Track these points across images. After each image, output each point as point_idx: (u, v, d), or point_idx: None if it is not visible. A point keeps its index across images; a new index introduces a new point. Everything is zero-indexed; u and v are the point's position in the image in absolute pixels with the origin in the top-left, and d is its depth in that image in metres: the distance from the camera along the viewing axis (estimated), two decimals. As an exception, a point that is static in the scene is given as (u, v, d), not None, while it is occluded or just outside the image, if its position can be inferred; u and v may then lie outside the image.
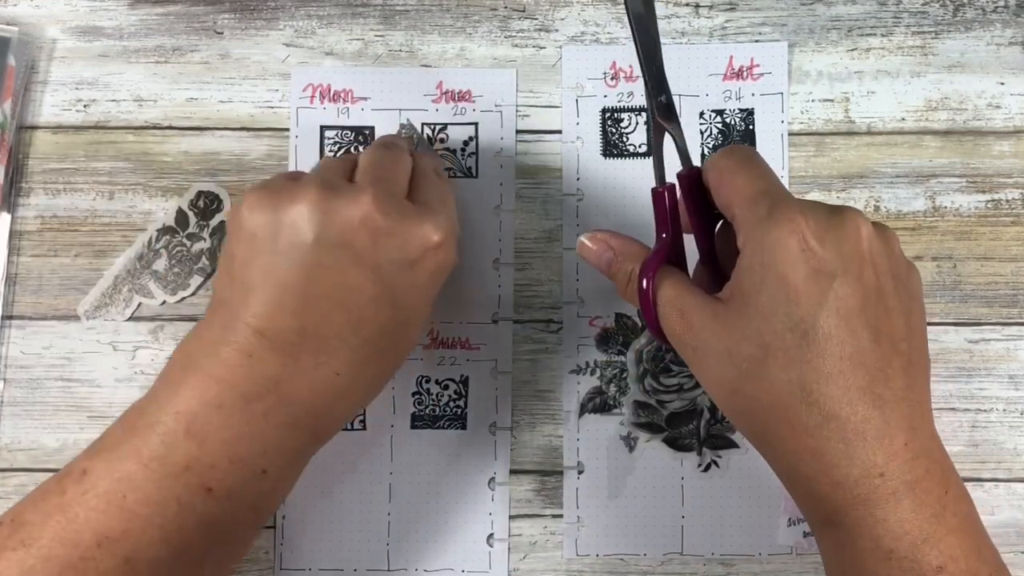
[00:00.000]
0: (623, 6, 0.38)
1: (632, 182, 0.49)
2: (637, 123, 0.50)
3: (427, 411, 0.48)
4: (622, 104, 0.50)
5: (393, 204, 0.37)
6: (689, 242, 0.40)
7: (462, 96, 0.50)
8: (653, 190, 0.39)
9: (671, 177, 0.39)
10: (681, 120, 0.50)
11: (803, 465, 0.33)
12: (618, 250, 0.38)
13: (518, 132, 0.50)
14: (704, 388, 0.36)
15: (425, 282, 0.38)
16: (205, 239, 0.49)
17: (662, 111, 0.39)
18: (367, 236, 0.35)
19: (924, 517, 0.32)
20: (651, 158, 0.39)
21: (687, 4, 0.51)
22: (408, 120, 0.40)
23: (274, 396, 0.35)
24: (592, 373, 0.48)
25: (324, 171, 0.38)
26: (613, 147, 0.50)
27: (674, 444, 0.48)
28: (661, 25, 0.51)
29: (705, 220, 0.39)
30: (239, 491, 0.35)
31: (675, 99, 0.50)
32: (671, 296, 0.36)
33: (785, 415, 0.33)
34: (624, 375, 0.48)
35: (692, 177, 0.38)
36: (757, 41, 0.50)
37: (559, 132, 0.50)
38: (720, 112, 0.50)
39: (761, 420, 0.34)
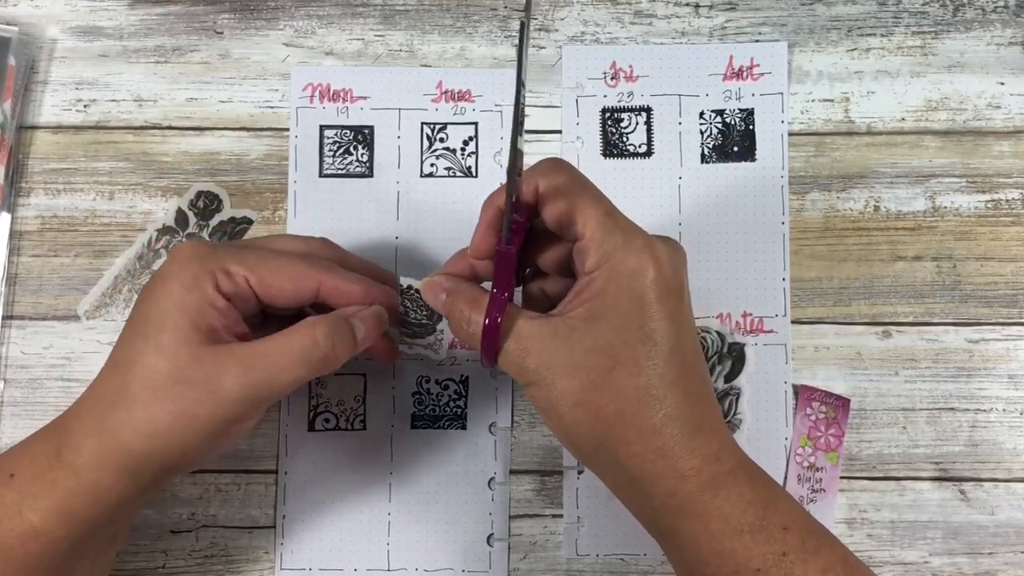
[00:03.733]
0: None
1: (632, 182, 0.49)
2: (637, 123, 0.50)
3: (427, 411, 0.48)
4: (622, 104, 0.50)
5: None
6: None
7: (462, 96, 0.50)
8: (499, 250, 0.38)
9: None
10: (681, 120, 0.50)
11: (649, 464, 0.36)
12: (450, 292, 0.39)
13: (518, 132, 0.50)
14: (541, 410, 0.37)
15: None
16: (205, 239, 0.49)
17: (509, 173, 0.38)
18: None
19: (760, 486, 0.37)
20: (504, 214, 0.38)
21: (687, 4, 0.51)
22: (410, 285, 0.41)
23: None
24: (592, 373, 0.48)
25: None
26: (613, 147, 0.50)
27: (674, 444, 0.48)
28: (662, 25, 0.51)
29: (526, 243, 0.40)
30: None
31: (675, 99, 0.50)
32: (519, 328, 0.37)
33: (632, 420, 0.35)
34: (624, 375, 0.48)
35: (530, 209, 0.38)
36: (757, 41, 0.50)
37: (559, 132, 0.50)
38: (720, 112, 0.50)
39: (605, 427, 0.36)
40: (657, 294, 0.36)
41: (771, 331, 0.48)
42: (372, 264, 0.44)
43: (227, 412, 0.37)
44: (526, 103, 0.50)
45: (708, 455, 0.36)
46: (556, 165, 0.38)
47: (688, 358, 0.37)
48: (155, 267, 0.49)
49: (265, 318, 0.42)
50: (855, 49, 0.50)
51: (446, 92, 0.50)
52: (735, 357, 0.48)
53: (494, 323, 0.37)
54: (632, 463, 0.36)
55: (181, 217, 0.49)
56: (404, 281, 0.41)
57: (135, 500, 0.38)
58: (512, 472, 0.48)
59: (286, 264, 0.39)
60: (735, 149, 0.50)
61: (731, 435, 0.38)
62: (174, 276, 0.37)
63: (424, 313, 0.42)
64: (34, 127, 0.50)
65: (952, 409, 0.48)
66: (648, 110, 0.50)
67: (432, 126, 0.50)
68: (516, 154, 0.36)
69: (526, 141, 0.50)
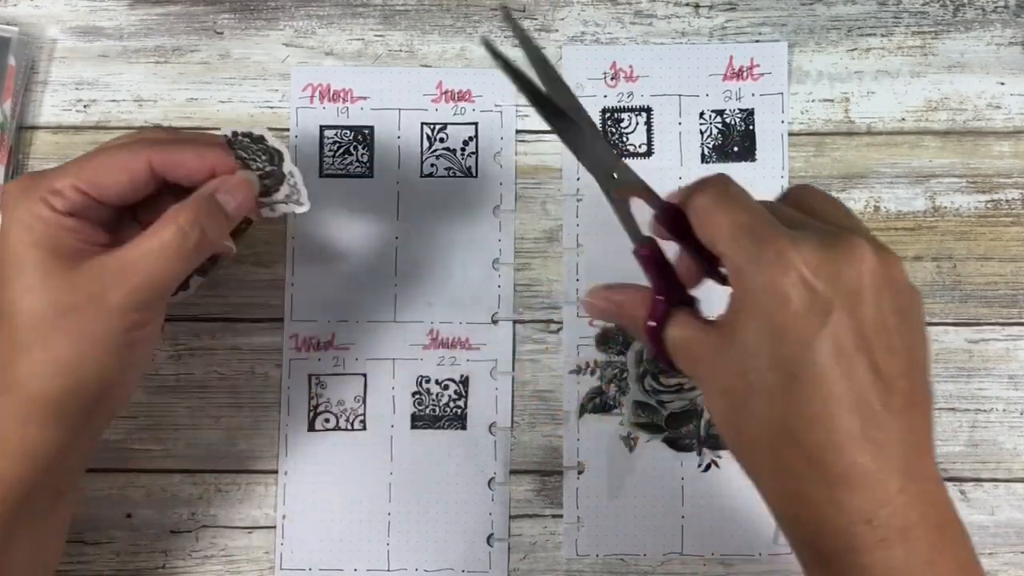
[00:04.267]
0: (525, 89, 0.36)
1: (632, 182, 0.49)
2: (637, 123, 0.50)
3: (427, 411, 0.48)
4: (622, 104, 0.50)
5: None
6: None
7: (462, 96, 0.50)
8: (634, 252, 0.37)
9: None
10: (681, 120, 0.50)
11: (788, 507, 0.32)
12: (620, 302, 0.37)
13: (518, 132, 0.50)
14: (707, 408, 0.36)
15: None
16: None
17: (621, 181, 0.38)
18: None
19: (916, 564, 0.30)
20: (620, 223, 0.38)
21: (687, 4, 0.51)
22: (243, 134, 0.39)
23: None
24: (592, 373, 0.48)
25: None
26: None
27: (674, 444, 0.48)
28: (662, 25, 0.51)
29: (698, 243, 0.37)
30: None
31: (675, 99, 0.50)
32: (675, 336, 0.35)
33: (769, 455, 0.32)
34: (624, 375, 0.48)
35: (670, 214, 0.36)
36: (757, 41, 0.50)
37: (559, 132, 0.50)
38: (720, 112, 0.50)
39: (749, 455, 0.33)
40: (795, 314, 0.30)
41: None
42: (201, 134, 0.42)
43: (121, 322, 0.36)
44: (528, 103, 0.50)
45: (856, 515, 0.30)
46: (703, 183, 0.34)
47: (840, 391, 0.30)
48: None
49: (143, 210, 0.40)
50: (855, 49, 0.50)
51: (446, 92, 0.50)
52: (735, 357, 0.48)
53: (654, 333, 0.35)
54: (772, 499, 0.33)
55: (181, 217, 0.49)
56: (227, 130, 0.39)
57: (71, 449, 0.37)
58: (512, 472, 0.48)
59: (108, 156, 0.38)
60: (735, 149, 0.50)
61: (920, 489, 0.31)
62: (11, 218, 0.36)
63: (264, 159, 0.40)
64: (34, 127, 0.50)
65: (952, 409, 0.48)
66: (648, 110, 0.50)
67: (432, 126, 0.50)
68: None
69: (526, 141, 0.50)
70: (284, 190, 0.41)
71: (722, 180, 0.34)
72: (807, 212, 0.33)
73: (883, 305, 0.31)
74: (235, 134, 0.39)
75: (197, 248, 0.37)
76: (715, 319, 0.34)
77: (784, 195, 0.35)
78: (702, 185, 0.34)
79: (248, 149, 0.40)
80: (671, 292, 0.36)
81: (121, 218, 0.40)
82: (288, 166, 0.40)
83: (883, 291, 0.31)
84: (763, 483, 0.33)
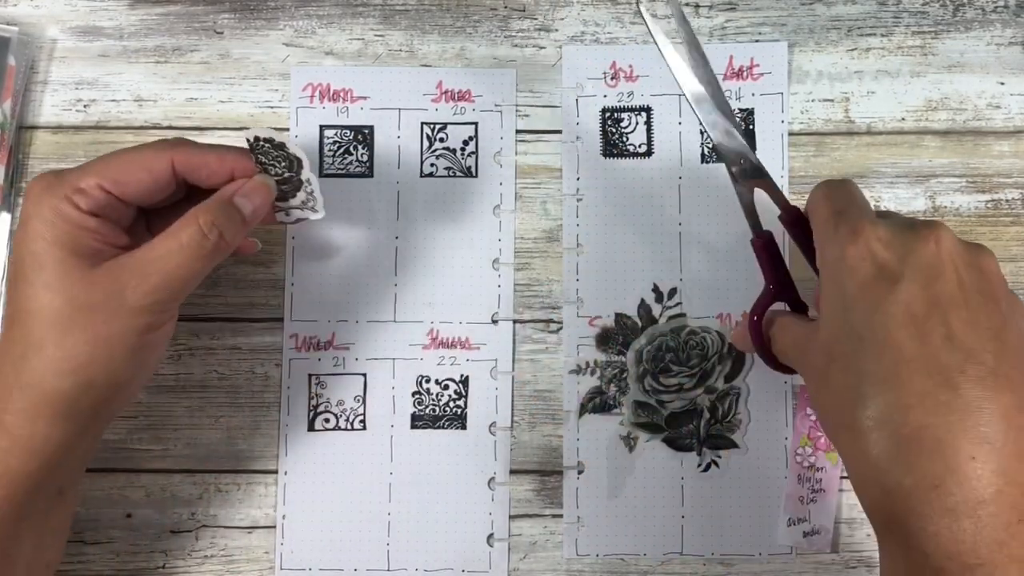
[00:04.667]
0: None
1: (632, 182, 0.49)
2: (637, 123, 0.50)
3: (427, 411, 0.48)
4: (622, 104, 0.50)
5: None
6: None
7: (462, 96, 0.50)
8: (752, 241, 0.42)
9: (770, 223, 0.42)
10: (681, 120, 0.50)
11: (859, 468, 0.33)
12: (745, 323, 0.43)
13: (518, 132, 0.50)
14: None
15: None
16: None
17: (751, 172, 0.42)
18: None
19: (983, 541, 0.29)
20: (742, 211, 0.42)
21: (687, 4, 0.51)
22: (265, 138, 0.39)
23: None
24: (592, 373, 0.48)
25: None
26: (613, 147, 0.50)
27: (674, 444, 0.48)
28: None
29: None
30: None
31: (676, 99, 0.50)
32: (781, 323, 0.39)
33: (842, 419, 0.33)
34: (624, 375, 0.48)
35: (792, 216, 0.41)
36: (757, 41, 0.50)
37: (559, 132, 0.50)
38: (720, 112, 0.50)
39: (829, 425, 0.35)
40: (863, 279, 0.32)
41: (771, 331, 0.48)
42: (223, 145, 0.42)
43: (137, 323, 0.36)
44: (528, 103, 0.50)
45: (923, 477, 0.30)
46: (823, 182, 0.38)
47: (914, 356, 0.31)
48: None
49: (156, 219, 0.41)
50: (855, 49, 0.50)
51: (446, 92, 0.50)
52: (735, 357, 0.48)
53: (754, 323, 0.41)
54: (848, 464, 0.34)
55: (181, 217, 0.49)
56: (249, 134, 0.39)
57: (76, 447, 0.37)
58: (512, 472, 0.48)
59: (132, 155, 0.38)
60: (735, 149, 0.50)
61: (1003, 468, 0.30)
62: (33, 215, 0.36)
63: (284, 165, 0.40)
64: (34, 127, 0.50)
65: (952, 409, 0.48)
66: (648, 110, 0.50)
67: (432, 126, 0.50)
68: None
69: (526, 141, 0.50)
70: (300, 196, 0.41)
71: (840, 180, 0.38)
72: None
73: (964, 282, 0.32)
74: (256, 138, 0.39)
75: (215, 250, 0.38)
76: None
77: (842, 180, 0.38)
78: (821, 184, 0.38)
79: (268, 154, 0.40)
80: (781, 287, 0.42)
81: (139, 222, 0.40)
82: (307, 173, 0.40)
83: (965, 271, 0.32)
84: (840, 450, 0.34)
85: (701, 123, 0.42)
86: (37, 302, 0.36)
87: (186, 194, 0.41)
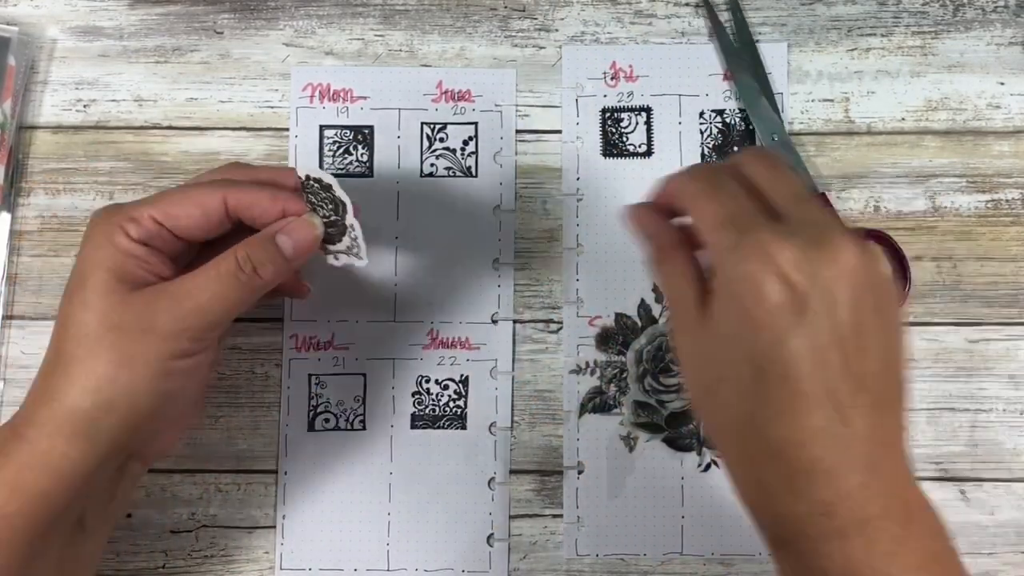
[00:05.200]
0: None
1: (632, 182, 0.49)
2: (637, 123, 0.50)
3: (427, 411, 0.48)
4: (622, 104, 0.50)
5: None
6: None
7: (462, 96, 0.50)
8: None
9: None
10: (681, 120, 0.50)
11: (749, 492, 0.33)
12: (663, 251, 0.37)
13: (518, 132, 0.50)
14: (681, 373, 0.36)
15: None
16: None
17: (780, 144, 0.46)
18: None
19: (876, 555, 0.30)
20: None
21: (687, 4, 0.51)
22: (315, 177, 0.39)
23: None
24: (592, 373, 0.48)
25: None
26: (613, 147, 0.50)
27: (674, 444, 0.48)
28: (662, 25, 0.51)
29: None
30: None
31: (675, 99, 0.50)
32: (680, 292, 0.35)
33: (734, 441, 0.33)
34: (624, 375, 0.48)
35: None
36: (757, 41, 0.50)
37: (559, 132, 0.50)
38: (720, 112, 0.50)
39: (716, 436, 0.34)
40: (768, 308, 0.30)
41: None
42: (280, 169, 0.43)
43: (165, 348, 0.36)
44: (528, 103, 0.50)
45: (815, 505, 0.30)
46: (692, 175, 0.35)
47: (808, 387, 0.30)
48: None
49: (205, 254, 0.41)
50: (855, 49, 0.50)
51: (446, 92, 0.50)
52: (735, 357, 0.48)
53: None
54: (734, 482, 0.34)
55: (181, 217, 0.49)
56: (302, 171, 0.39)
57: (96, 475, 0.37)
58: (512, 472, 0.48)
59: (187, 191, 0.39)
60: (735, 149, 0.50)
61: (884, 485, 0.31)
62: (87, 240, 0.38)
63: (330, 207, 0.40)
64: (34, 127, 0.50)
65: (952, 409, 0.48)
66: (648, 110, 0.50)
67: (432, 126, 0.50)
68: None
69: (526, 141, 0.50)
70: (346, 241, 0.41)
71: (711, 167, 0.35)
72: (759, 189, 0.33)
73: (861, 306, 0.31)
74: (308, 177, 0.39)
75: (249, 284, 0.38)
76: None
77: (732, 163, 0.35)
78: (693, 171, 0.35)
79: (317, 195, 0.40)
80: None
81: (189, 257, 0.41)
82: (351, 219, 0.40)
83: (862, 292, 0.31)
84: (729, 467, 0.34)
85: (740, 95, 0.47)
86: (72, 318, 0.36)
87: (239, 228, 0.41)
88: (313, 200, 0.40)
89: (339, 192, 0.39)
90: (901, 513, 0.31)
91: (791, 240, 0.30)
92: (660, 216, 0.37)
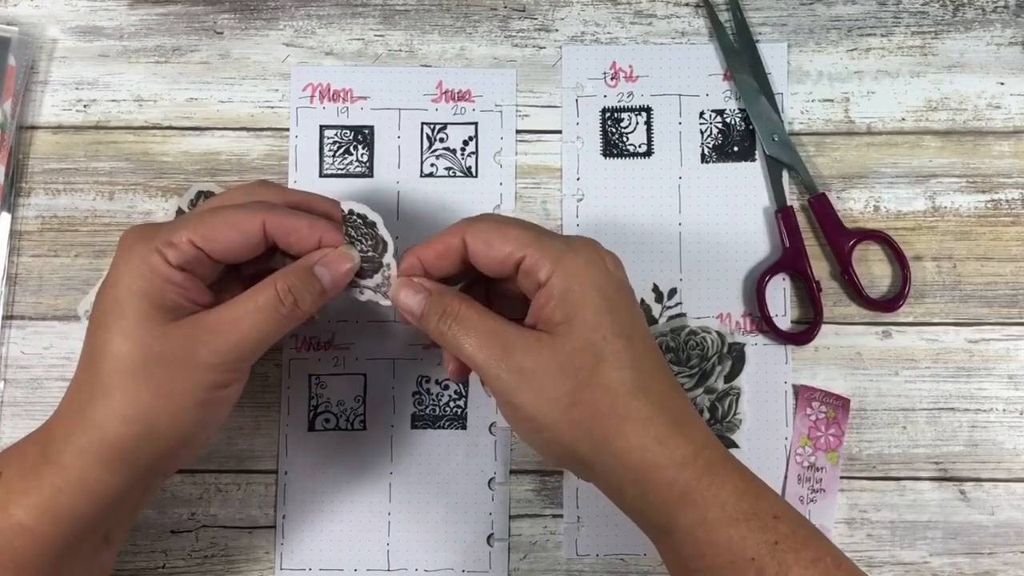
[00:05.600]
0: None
1: (632, 182, 0.49)
2: (637, 123, 0.50)
3: (427, 411, 0.48)
4: (622, 104, 0.50)
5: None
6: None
7: (462, 96, 0.50)
8: (776, 212, 0.47)
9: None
10: (681, 120, 0.50)
11: (649, 455, 0.36)
12: (432, 291, 0.39)
13: (518, 132, 0.50)
14: (531, 411, 0.36)
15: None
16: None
17: (779, 144, 0.49)
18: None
19: (747, 476, 0.37)
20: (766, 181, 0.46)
21: (687, 4, 0.51)
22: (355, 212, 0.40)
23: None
24: (592, 373, 0.48)
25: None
26: (613, 147, 0.50)
27: (674, 444, 0.48)
28: (662, 25, 0.51)
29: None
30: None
31: (675, 99, 0.50)
32: (490, 326, 0.37)
33: (627, 412, 0.36)
34: (624, 375, 0.48)
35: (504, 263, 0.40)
36: (757, 41, 0.50)
37: (559, 132, 0.50)
38: (720, 112, 0.50)
39: (603, 424, 0.36)
40: (615, 287, 0.37)
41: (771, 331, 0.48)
42: (314, 195, 0.42)
43: (204, 379, 0.36)
44: (528, 103, 0.50)
45: (700, 442, 0.37)
46: (473, 219, 0.39)
47: (655, 349, 0.38)
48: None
49: (239, 279, 0.41)
50: (855, 49, 0.50)
51: (446, 92, 0.50)
52: (735, 357, 0.48)
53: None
54: (632, 457, 0.36)
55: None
56: (346, 205, 0.40)
57: (128, 495, 0.37)
58: (512, 472, 0.48)
59: (226, 214, 0.38)
60: (735, 149, 0.50)
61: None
62: (123, 263, 0.37)
63: (370, 243, 0.40)
64: (34, 127, 0.50)
65: (952, 409, 0.48)
66: (648, 110, 0.50)
67: (432, 126, 0.50)
68: None
69: (526, 141, 0.50)
70: (377, 278, 0.41)
71: (489, 214, 0.40)
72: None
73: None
74: (351, 212, 0.40)
75: (290, 316, 0.38)
76: (526, 324, 0.38)
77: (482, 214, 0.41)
78: (472, 219, 0.39)
79: (358, 229, 0.40)
80: (796, 254, 0.48)
81: (223, 282, 0.41)
82: (389, 258, 0.40)
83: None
84: (621, 444, 0.36)
85: (740, 92, 0.49)
86: (112, 348, 0.36)
87: (273, 251, 0.41)
88: (353, 234, 0.40)
89: (382, 231, 0.40)
90: (731, 455, 0.38)
91: (585, 240, 0.38)
92: (433, 282, 0.40)
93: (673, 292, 0.49)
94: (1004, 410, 0.48)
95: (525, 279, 0.38)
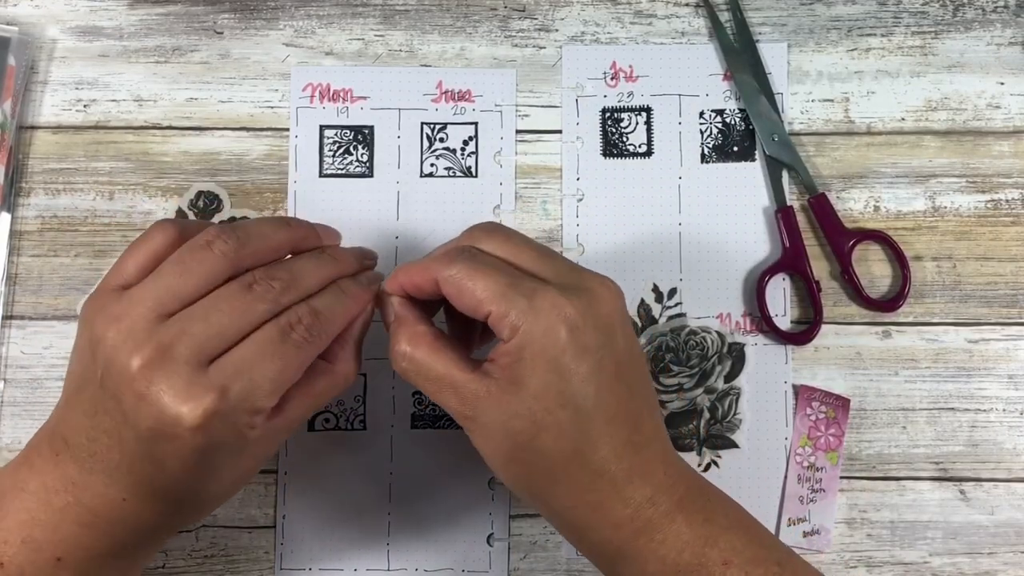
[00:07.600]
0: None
1: (632, 182, 0.49)
2: (637, 123, 0.50)
3: (427, 411, 0.48)
4: (622, 104, 0.50)
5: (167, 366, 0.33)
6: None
7: (462, 96, 0.50)
8: (776, 211, 0.46)
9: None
10: (681, 120, 0.50)
11: (582, 517, 0.36)
12: (398, 317, 0.39)
13: (518, 132, 0.50)
14: (480, 450, 0.37)
15: (185, 460, 0.34)
16: None
17: (779, 144, 0.49)
18: (130, 394, 0.33)
19: (697, 524, 0.36)
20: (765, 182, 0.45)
21: (687, 4, 0.51)
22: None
23: (71, 495, 0.35)
24: (592, 373, 0.48)
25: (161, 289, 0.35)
26: (613, 147, 0.50)
27: (674, 444, 0.48)
28: (662, 25, 0.51)
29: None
30: (30, 572, 0.35)
31: (675, 99, 0.50)
32: (440, 373, 0.37)
33: (562, 478, 0.36)
34: (624, 375, 0.48)
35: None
36: (757, 41, 0.50)
37: (559, 132, 0.50)
38: (720, 112, 0.50)
39: (539, 483, 0.37)
40: (573, 355, 0.35)
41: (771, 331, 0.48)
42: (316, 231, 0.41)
43: (260, 465, 0.38)
44: (528, 103, 0.50)
45: (641, 502, 0.36)
46: (450, 259, 0.37)
47: (613, 411, 0.36)
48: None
49: None
50: (855, 49, 0.50)
51: (446, 92, 0.50)
52: (735, 357, 0.48)
53: None
54: (567, 515, 0.37)
55: (181, 217, 0.49)
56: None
57: (161, 530, 0.38)
58: (512, 472, 0.48)
59: (283, 372, 0.36)
60: (735, 149, 0.50)
61: (677, 469, 0.38)
62: (206, 429, 0.34)
63: None
64: (34, 127, 0.50)
65: (952, 409, 0.48)
66: (648, 110, 0.50)
67: (432, 126, 0.50)
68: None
69: (526, 141, 0.50)
70: None
71: (456, 250, 0.37)
72: (506, 260, 0.37)
73: (626, 335, 0.37)
74: None
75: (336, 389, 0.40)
76: (484, 367, 0.36)
77: (469, 242, 0.38)
78: (448, 258, 0.37)
79: None
80: (796, 254, 0.48)
81: None
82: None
83: (623, 322, 0.37)
84: (555, 503, 0.37)
85: (740, 92, 0.49)
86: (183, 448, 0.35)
87: None
88: None
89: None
90: (699, 489, 0.38)
91: (569, 293, 0.35)
92: (405, 303, 0.39)
93: (673, 292, 0.49)
94: (1004, 410, 0.48)
95: (494, 329, 0.37)
